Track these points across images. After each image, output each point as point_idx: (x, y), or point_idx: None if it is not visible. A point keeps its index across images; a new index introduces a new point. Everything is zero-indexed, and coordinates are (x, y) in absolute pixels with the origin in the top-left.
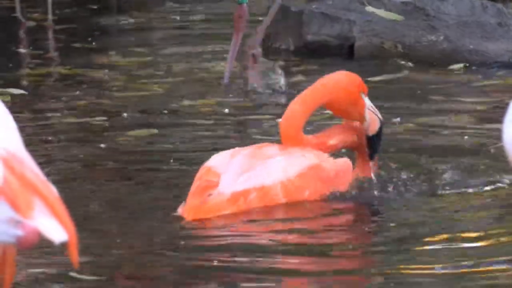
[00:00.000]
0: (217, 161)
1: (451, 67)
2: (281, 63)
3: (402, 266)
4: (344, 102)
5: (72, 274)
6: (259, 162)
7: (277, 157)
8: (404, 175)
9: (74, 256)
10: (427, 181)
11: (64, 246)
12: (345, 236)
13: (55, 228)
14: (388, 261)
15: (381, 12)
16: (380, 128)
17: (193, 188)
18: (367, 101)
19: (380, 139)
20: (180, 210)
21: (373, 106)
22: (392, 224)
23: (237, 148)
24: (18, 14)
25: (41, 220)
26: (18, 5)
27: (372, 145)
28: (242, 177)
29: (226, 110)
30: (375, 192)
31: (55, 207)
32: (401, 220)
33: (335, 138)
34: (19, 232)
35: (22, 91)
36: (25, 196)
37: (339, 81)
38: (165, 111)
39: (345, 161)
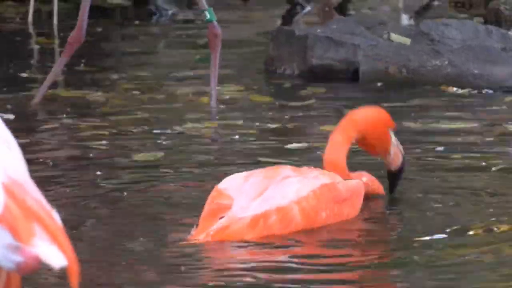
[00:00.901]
0: (230, 183)
1: (456, 91)
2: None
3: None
4: (373, 137)
5: None
6: (274, 183)
7: (291, 178)
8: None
9: (75, 283)
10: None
11: (65, 273)
12: (361, 252)
13: (55, 254)
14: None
15: (399, 38)
16: (403, 164)
17: (205, 211)
18: (393, 137)
19: (402, 174)
20: (192, 233)
21: (398, 142)
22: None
23: (250, 171)
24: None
25: (41, 247)
26: (30, 25)
27: (393, 180)
28: (257, 200)
29: (236, 137)
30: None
31: (56, 234)
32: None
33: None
34: (19, 258)
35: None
36: (25, 223)
37: (370, 116)
38: (170, 133)
39: (357, 183)
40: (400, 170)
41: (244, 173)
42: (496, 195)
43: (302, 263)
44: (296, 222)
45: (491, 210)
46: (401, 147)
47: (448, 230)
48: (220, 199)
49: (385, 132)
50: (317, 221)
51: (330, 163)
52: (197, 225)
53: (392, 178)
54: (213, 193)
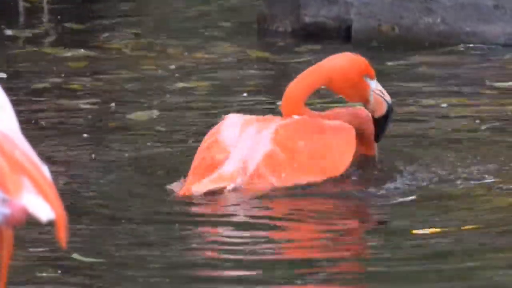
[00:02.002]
0: (227, 134)
1: (449, 48)
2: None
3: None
4: (342, 85)
5: (75, 256)
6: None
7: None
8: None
9: (62, 236)
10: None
11: (52, 225)
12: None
13: (42, 207)
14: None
15: None
16: (388, 111)
17: (198, 161)
18: (372, 84)
19: (388, 121)
20: (180, 183)
21: (382, 89)
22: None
23: (248, 118)
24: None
25: (29, 199)
26: None
27: (378, 127)
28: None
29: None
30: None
31: (43, 187)
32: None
33: (341, 119)
34: (7, 210)
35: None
36: (13, 176)
37: (337, 64)
38: (162, 93)
39: (341, 123)
40: (386, 117)
41: (241, 120)
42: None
43: (294, 218)
44: (280, 158)
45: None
46: (386, 95)
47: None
48: (215, 152)
49: (359, 80)
50: (297, 150)
51: (285, 109)
52: (185, 176)
53: (377, 125)
54: (209, 140)
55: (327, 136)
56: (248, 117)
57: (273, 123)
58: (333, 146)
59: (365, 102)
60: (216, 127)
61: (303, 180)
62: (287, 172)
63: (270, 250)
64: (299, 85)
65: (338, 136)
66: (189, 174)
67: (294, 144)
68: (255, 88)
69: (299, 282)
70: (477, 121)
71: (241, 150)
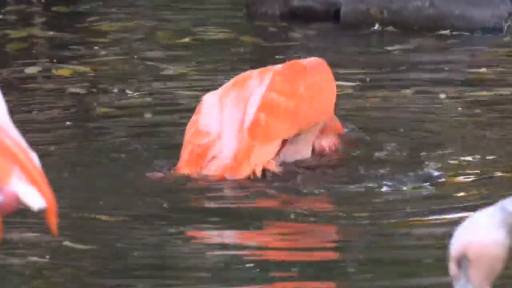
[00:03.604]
0: (207, 119)
1: (437, 33)
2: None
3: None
4: None
5: (66, 243)
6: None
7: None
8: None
9: (53, 224)
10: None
11: (43, 213)
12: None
13: (33, 195)
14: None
15: None
16: None
17: (185, 153)
18: None
19: None
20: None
21: None
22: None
23: (220, 92)
24: None
25: (20, 187)
26: None
27: None
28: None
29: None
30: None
31: (34, 175)
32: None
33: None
34: None
35: None
36: (3, 163)
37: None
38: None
39: (316, 59)
40: None
41: (217, 96)
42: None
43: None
44: (284, 106)
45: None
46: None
47: None
48: (200, 139)
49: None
50: (298, 95)
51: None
52: (175, 165)
53: None
54: (192, 130)
55: (314, 76)
56: (222, 89)
57: (256, 79)
58: (323, 87)
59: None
60: (195, 113)
61: (304, 125)
62: (289, 118)
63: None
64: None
65: (321, 71)
66: (180, 166)
67: (295, 90)
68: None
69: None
70: (459, 108)
71: (230, 126)
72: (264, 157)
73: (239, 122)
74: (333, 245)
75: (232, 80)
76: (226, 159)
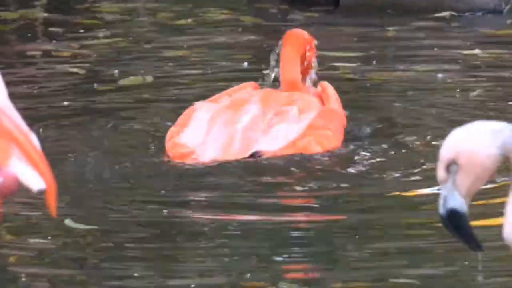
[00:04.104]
0: (188, 137)
1: (437, 15)
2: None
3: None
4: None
5: (67, 222)
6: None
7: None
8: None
9: (52, 204)
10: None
11: (42, 194)
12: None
13: (33, 176)
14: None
15: None
16: None
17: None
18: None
19: None
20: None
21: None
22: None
23: (213, 109)
24: None
25: (19, 168)
26: None
27: None
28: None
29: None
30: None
31: (33, 156)
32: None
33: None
34: None
35: None
36: (2, 144)
37: (301, 34)
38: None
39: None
40: None
41: (208, 114)
42: None
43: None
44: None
45: None
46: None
47: None
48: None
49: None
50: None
51: (288, 82)
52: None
53: None
54: (171, 141)
55: (337, 122)
56: (215, 106)
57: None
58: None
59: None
60: (176, 125)
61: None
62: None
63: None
64: (292, 67)
65: (339, 121)
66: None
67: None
68: (249, 55)
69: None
70: (457, 90)
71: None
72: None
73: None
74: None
75: (228, 100)
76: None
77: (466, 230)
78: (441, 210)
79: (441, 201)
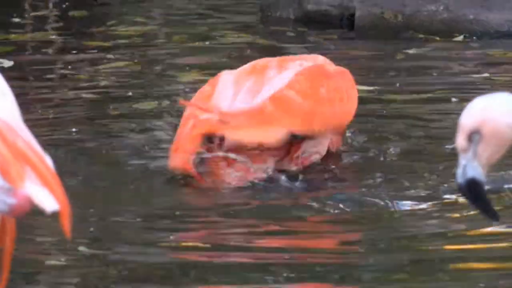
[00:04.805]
0: (219, 96)
1: (452, 37)
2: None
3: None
4: None
5: (81, 248)
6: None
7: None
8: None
9: (66, 226)
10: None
11: (56, 216)
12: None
13: (46, 197)
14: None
15: None
16: None
17: (187, 128)
18: None
19: None
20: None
21: None
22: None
23: (236, 74)
24: None
25: (33, 189)
26: None
27: None
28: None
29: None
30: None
31: (47, 177)
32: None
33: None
34: (11, 199)
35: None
36: (16, 165)
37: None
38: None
39: (340, 67)
40: None
41: (232, 77)
42: None
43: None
44: (298, 104)
45: None
46: None
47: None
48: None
49: None
50: (319, 98)
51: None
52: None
53: None
54: (200, 102)
55: (337, 82)
56: (238, 71)
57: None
58: (343, 91)
59: None
60: (207, 84)
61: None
62: (301, 116)
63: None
64: None
65: (344, 79)
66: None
67: (315, 92)
68: None
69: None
70: None
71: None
72: (261, 138)
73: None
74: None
75: (249, 65)
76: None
77: (484, 200)
78: (460, 179)
79: (460, 170)
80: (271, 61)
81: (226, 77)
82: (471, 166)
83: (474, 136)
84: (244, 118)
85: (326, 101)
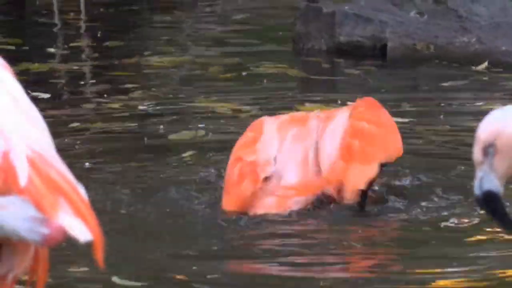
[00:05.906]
0: (265, 141)
1: (479, 67)
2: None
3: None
4: None
5: (114, 278)
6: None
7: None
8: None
9: (100, 257)
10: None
11: (90, 247)
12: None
13: (80, 228)
14: None
15: None
16: None
17: (235, 171)
18: None
19: None
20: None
21: None
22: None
23: (277, 122)
24: (55, 15)
25: (67, 220)
26: (55, 4)
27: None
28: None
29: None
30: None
31: (81, 208)
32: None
33: None
34: (45, 230)
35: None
36: (50, 196)
37: None
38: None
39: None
40: None
41: (274, 125)
42: None
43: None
44: (374, 133)
45: None
46: None
47: None
48: (255, 158)
49: None
50: (383, 124)
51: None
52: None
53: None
54: (246, 147)
55: (386, 120)
56: (278, 121)
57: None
58: (392, 129)
59: None
60: (250, 130)
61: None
62: (381, 145)
63: None
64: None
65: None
66: (231, 186)
67: (380, 119)
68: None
69: None
70: None
71: (290, 160)
72: (363, 179)
73: (301, 158)
74: None
75: (287, 116)
76: (287, 191)
77: (501, 211)
78: (477, 192)
79: (477, 183)
80: (309, 114)
81: (269, 123)
82: (487, 178)
83: (489, 149)
84: (341, 165)
85: (391, 127)
